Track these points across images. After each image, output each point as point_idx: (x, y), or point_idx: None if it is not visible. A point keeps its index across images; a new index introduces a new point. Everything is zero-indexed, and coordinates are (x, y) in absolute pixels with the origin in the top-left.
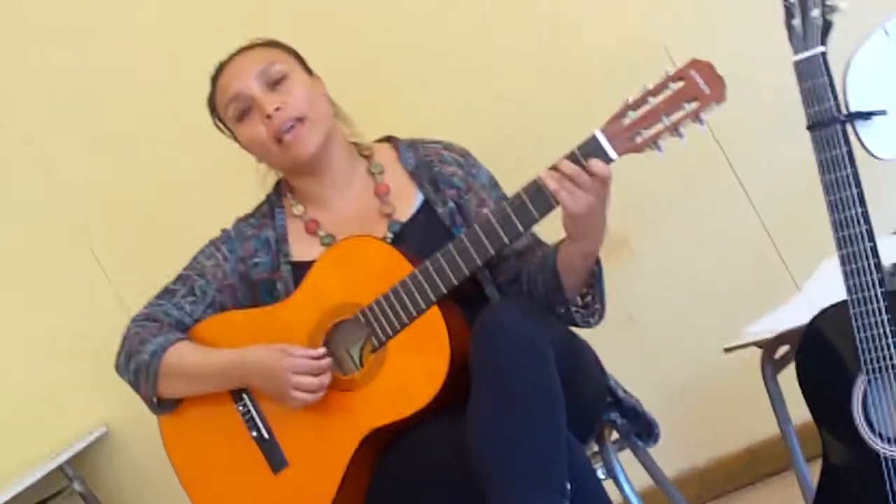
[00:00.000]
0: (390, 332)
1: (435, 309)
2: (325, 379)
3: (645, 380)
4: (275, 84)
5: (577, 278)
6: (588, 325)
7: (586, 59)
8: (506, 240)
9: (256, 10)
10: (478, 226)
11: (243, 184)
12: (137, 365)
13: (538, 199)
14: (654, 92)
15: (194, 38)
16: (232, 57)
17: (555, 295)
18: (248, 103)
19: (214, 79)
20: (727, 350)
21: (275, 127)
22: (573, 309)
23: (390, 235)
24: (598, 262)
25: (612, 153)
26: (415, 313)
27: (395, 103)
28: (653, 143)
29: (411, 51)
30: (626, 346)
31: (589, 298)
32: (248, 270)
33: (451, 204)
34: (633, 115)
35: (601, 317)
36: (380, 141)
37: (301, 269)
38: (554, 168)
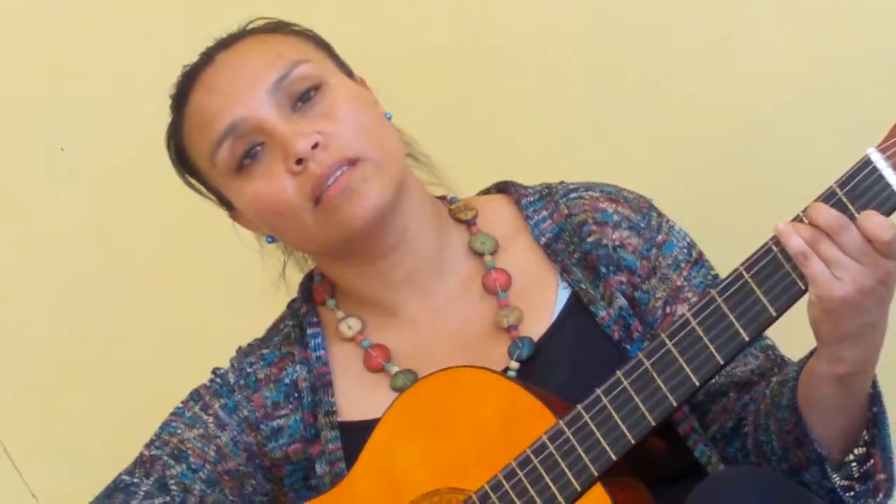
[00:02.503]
0: None
1: (599, 491)
2: None
3: None
4: (301, 100)
5: (837, 421)
6: None
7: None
8: (719, 360)
9: None
10: (668, 337)
11: (243, 284)
12: None
13: (772, 278)
14: None
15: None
16: (212, 56)
17: (797, 452)
18: (258, 138)
19: (180, 97)
20: None
21: (313, 176)
22: (835, 478)
23: (515, 364)
24: (876, 394)
25: None
26: (563, 501)
27: (511, 118)
28: None
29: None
30: None
31: (868, 463)
32: (264, 443)
33: (621, 301)
34: None
35: (888, 495)
36: (488, 192)
37: (358, 436)
38: (799, 219)
